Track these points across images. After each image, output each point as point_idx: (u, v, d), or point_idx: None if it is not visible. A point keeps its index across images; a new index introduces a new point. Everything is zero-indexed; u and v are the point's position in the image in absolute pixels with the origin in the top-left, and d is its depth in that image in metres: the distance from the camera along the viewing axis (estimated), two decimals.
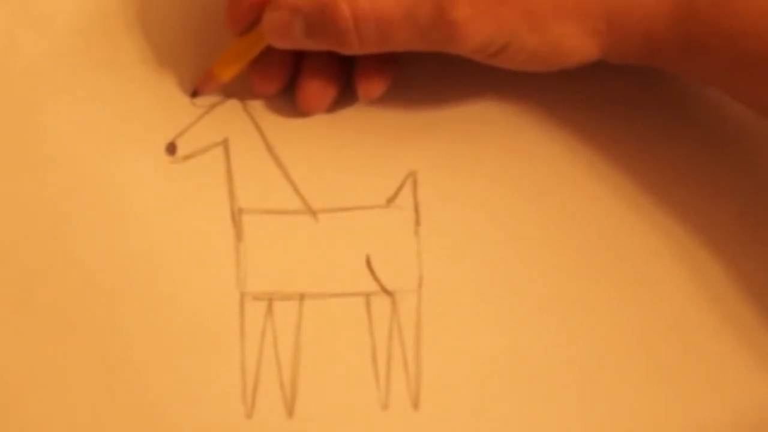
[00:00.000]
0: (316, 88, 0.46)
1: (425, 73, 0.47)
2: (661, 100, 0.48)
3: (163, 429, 0.42)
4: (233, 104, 0.47)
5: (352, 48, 0.43)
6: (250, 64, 0.46)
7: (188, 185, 0.45)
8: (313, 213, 0.45)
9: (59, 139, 0.46)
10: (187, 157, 0.46)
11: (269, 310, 0.44)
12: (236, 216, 0.45)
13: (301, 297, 0.44)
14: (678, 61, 0.43)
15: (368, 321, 0.44)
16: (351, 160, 0.46)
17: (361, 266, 0.45)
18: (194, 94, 0.46)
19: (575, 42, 0.43)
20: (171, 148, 0.46)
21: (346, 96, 0.46)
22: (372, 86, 0.45)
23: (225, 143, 0.46)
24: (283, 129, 0.46)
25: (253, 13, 0.44)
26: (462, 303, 0.44)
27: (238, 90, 0.47)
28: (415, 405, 0.43)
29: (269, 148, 0.46)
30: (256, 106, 0.47)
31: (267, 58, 0.46)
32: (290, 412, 0.43)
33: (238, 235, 0.45)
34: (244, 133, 0.46)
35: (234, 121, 0.46)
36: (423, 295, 0.45)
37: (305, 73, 0.46)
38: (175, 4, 0.48)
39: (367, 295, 0.45)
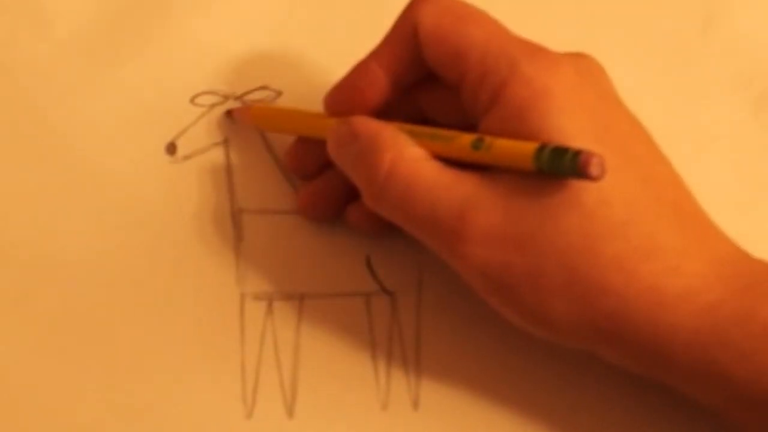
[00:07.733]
0: (321, 197, 0.45)
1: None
2: None
3: (163, 429, 0.42)
4: (233, 104, 0.47)
5: (368, 199, 0.40)
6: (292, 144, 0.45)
7: (188, 185, 0.45)
8: None
9: (59, 138, 0.46)
10: (187, 157, 0.46)
11: (269, 310, 0.44)
12: (236, 216, 0.45)
13: (301, 297, 0.44)
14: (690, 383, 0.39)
15: (368, 321, 0.44)
16: None
17: (361, 266, 0.45)
18: (228, 113, 0.46)
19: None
20: (171, 148, 0.46)
21: None
22: (362, 224, 0.44)
23: (225, 143, 0.46)
24: None
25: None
26: (462, 303, 0.43)
27: (238, 90, 0.47)
28: (415, 405, 0.43)
29: (269, 148, 0.46)
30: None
31: (304, 148, 0.45)
32: (290, 412, 0.43)
33: (238, 235, 0.45)
34: (244, 133, 0.46)
35: (234, 121, 0.46)
36: (423, 295, 0.45)
37: (322, 179, 0.44)
38: (176, 4, 0.48)
39: (367, 295, 0.45)
